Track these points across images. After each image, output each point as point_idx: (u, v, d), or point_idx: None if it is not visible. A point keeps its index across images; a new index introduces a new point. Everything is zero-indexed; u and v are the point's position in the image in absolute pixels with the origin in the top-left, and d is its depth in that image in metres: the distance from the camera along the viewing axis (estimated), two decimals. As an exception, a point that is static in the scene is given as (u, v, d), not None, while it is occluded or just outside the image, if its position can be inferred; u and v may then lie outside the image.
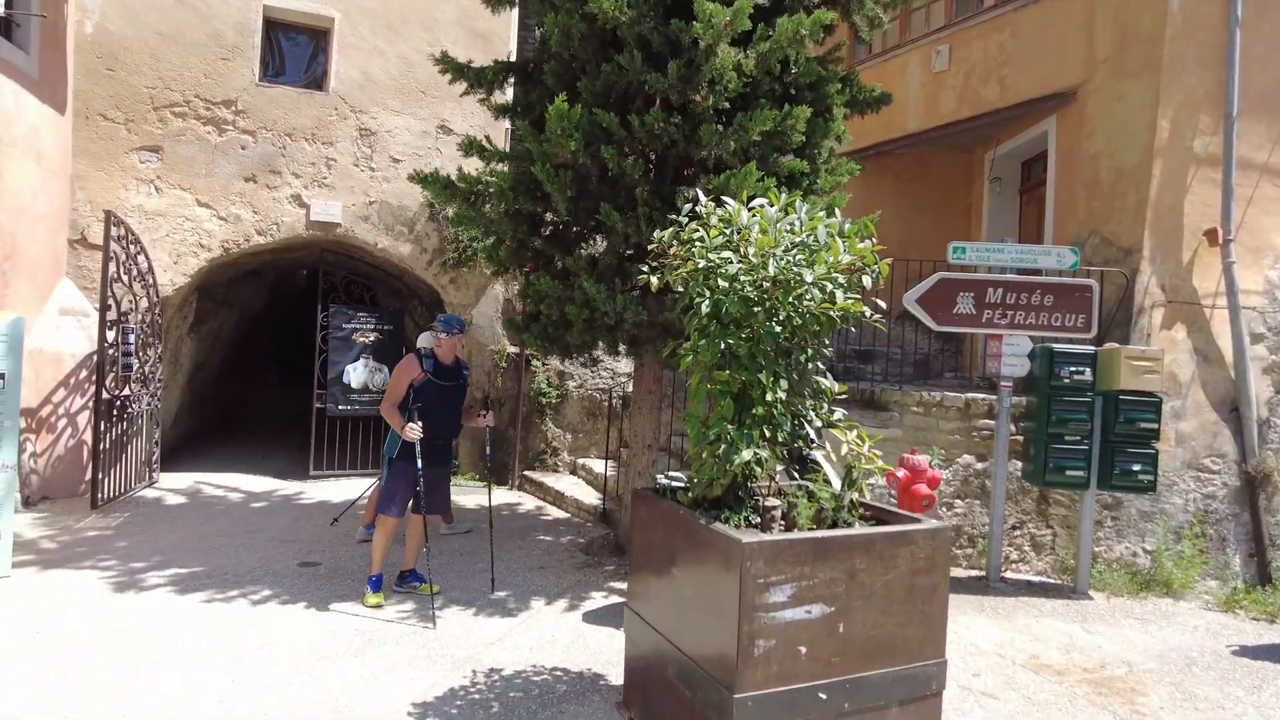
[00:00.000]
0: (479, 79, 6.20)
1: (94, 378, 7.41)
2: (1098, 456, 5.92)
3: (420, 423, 4.88)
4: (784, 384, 3.20)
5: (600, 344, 5.78)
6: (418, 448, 4.94)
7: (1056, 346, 5.96)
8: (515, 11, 8.55)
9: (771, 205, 3.42)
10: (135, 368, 7.76)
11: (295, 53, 9.00)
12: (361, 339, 9.39)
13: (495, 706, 3.79)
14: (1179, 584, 6.20)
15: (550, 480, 8.89)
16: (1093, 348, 6.02)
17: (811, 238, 3.26)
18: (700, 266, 3.27)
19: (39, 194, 7.32)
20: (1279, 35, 7.05)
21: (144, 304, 7.90)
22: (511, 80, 6.43)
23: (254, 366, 15.51)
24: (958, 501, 6.71)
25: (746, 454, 2.98)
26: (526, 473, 9.26)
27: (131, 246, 7.64)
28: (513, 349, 9.41)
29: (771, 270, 3.15)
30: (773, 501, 3.17)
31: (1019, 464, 6.51)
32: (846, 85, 6.08)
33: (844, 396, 3.69)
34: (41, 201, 7.38)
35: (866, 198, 9.15)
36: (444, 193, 5.88)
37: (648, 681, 3.49)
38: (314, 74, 9.01)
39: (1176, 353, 6.81)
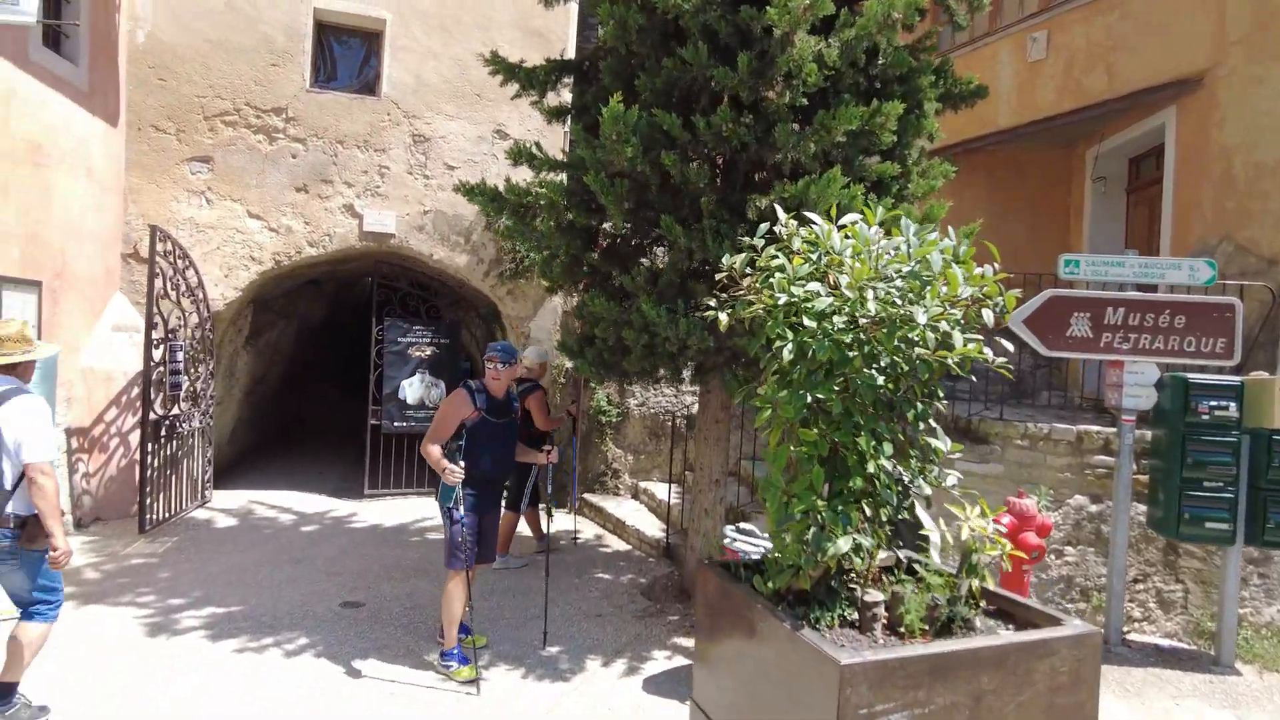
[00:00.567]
0: (530, 80, 5.69)
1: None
2: (1244, 506, 5.01)
3: (464, 463, 4.38)
4: (887, 448, 2.57)
5: (661, 370, 5.21)
6: (467, 492, 4.42)
7: (1191, 377, 5.07)
8: (574, 6, 8.04)
9: (866, 222, 2.80)
10: (185, 385, 7.55)
11: (346, 56, 8.67)
12: (417, 353, 9.04)
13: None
14: (1344, 654, 5.25)
15: (610, 506, 8.36)
16: (1238, 378, 5.11)
17: (922, 264, 2.62)
18: (780, 303, 2.66)
19: (89, 208, 7.14)
20: None
21: (194, 319, 7.67)
22: (568, 81, 5.92)
23: (313, 379, 15.41)
24: (1068, 549, 5.89)
25: (844, 543, 2.35)
26: (586, 495, 8.75)
27: (179, 261, 7.41)
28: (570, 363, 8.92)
29: (872, 308, 2.53)
30: (874, 595, 2.53)
31: (1142, 507, 5.65)
32: (940, 77, 5.39)
33: (957, 455, 3.03)
34: (91, 216, 7.20)
35: (955, 202, 8.34)
36: (492, 204, 5.41)
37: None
38: (365, 78, 8.67)
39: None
